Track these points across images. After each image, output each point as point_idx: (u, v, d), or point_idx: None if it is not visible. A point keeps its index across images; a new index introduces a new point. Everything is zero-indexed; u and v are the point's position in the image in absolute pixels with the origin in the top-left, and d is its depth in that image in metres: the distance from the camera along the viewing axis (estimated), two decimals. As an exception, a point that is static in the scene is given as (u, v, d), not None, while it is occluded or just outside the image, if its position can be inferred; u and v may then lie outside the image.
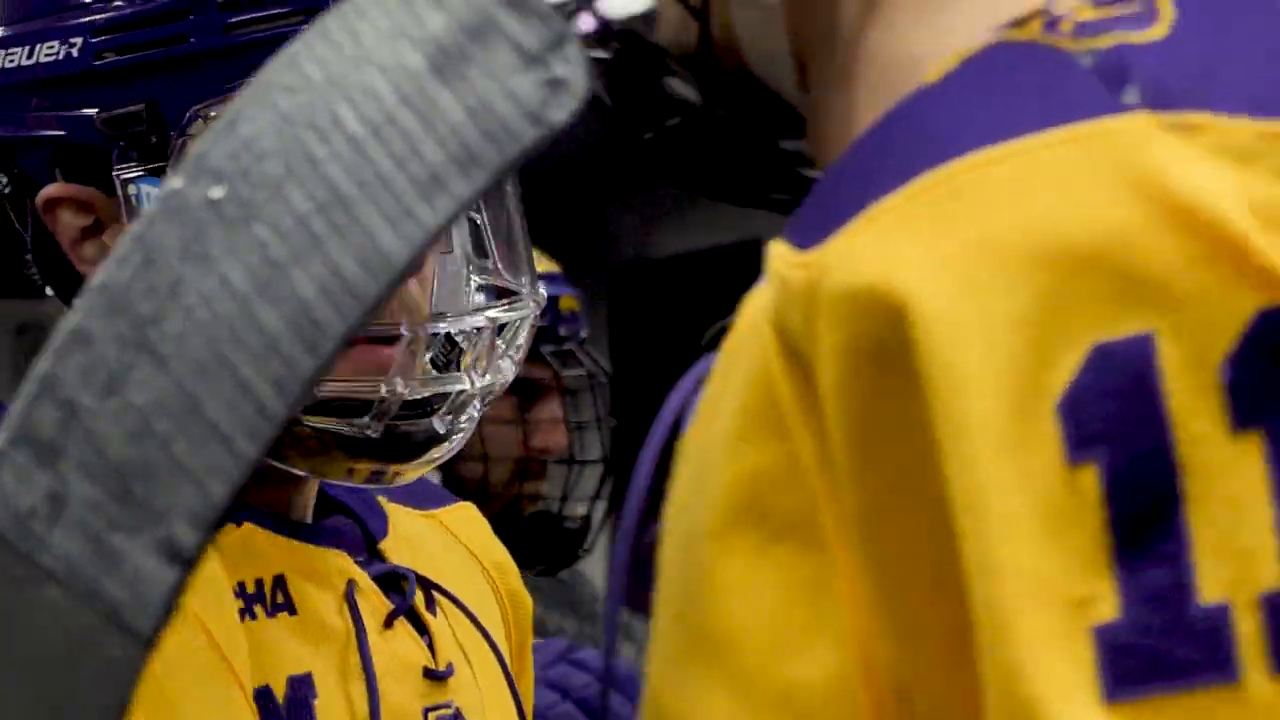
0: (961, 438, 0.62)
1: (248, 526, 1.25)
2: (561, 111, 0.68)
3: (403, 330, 1.22)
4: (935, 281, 0.62)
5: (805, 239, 0.66)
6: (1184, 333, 0.61)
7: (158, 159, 1.19)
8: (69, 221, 1.23)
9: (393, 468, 1.26)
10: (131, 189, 1.19)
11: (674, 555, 0.70)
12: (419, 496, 1.41)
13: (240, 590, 1.22)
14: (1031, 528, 0.61)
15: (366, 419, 1.22)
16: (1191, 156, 0.62)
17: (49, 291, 1.30)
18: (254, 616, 1.22)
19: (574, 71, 0.68)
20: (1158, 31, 0.67)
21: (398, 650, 1.29)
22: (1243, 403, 0.61)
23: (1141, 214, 0.62)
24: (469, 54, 0.67)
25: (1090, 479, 0.61)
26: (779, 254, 0.67)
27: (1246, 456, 0.61)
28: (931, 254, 0.63)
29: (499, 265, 1.33)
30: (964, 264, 0.62)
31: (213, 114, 1.18)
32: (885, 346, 0.63)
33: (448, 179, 0.66)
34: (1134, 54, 0.66)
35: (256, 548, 1.25)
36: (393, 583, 1.31)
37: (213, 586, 1.19)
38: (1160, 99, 0.64)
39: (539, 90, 0.68)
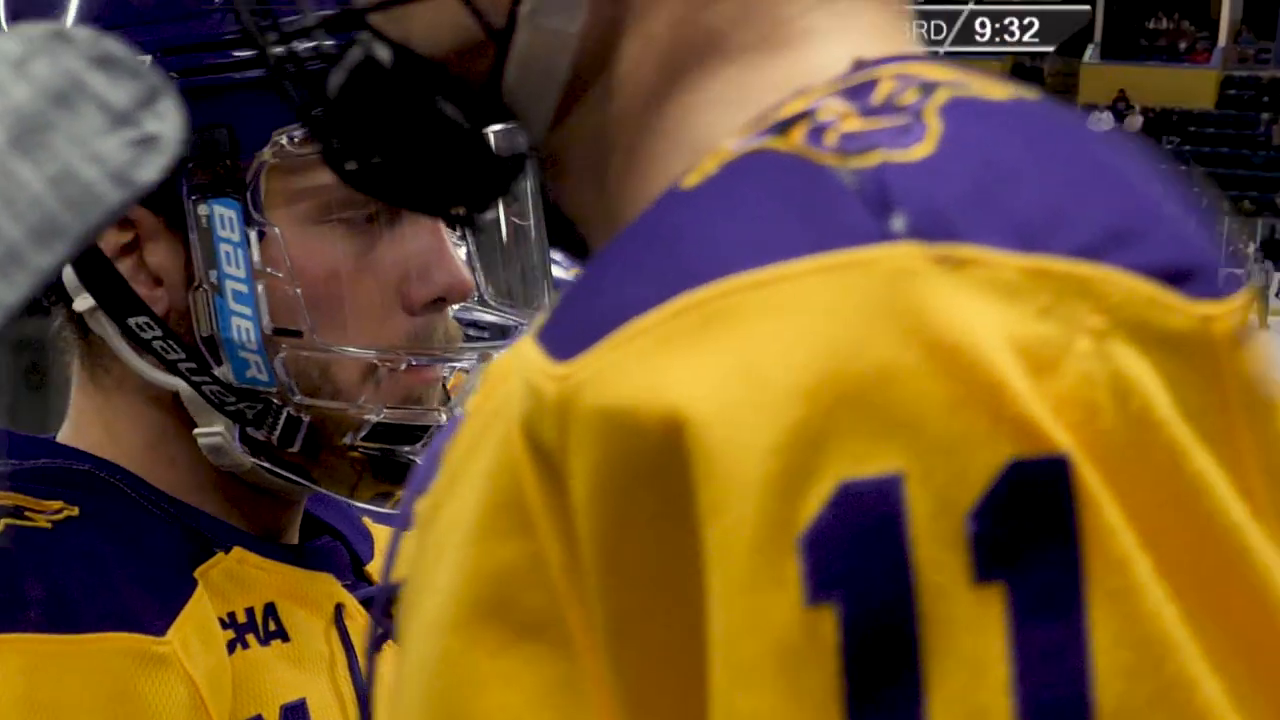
0: (711, 569, 0.60)
1: (237, 551, 1.24)
2: (151, 169, 0.67)
3: (476, 359, 1.21)
4: (694, 408, 0.60)
5: (560, 349, 0.64)
6: (933, 478, 0.58)
7: (224, 180, 1.18)
8: (109, 238, 1.21)
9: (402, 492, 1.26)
10: (202, 208, 1.19)
11: (420, 638, 0.68)
12: (402, 517, 1.41)
13: (231, 620, 1.22)
14: (767, 670, 0.59)
15: (418, 445, 1.21)
16: (957, 294, 0.60)
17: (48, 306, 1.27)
18: (246, 645, 1.21)
19: (167, 126, 0.67)
20: (924, 150, 0.63)
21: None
22: (986, 555, 0.58)
23: (903, 352, 0.59)
24: (53, 121, 0.67)
25: (828, 622, 0.58)
26: (532, 360, 0.65)
27: (987, 610, 0.58)
28: (691, 380, 0.61)
29: (518, 298, 1.32)
30: (723, 391, 0.60)
31: (283, 139, 1.17)
32: (642, 469, 0.61)
33: (26, 254, 0.65)
34: (899, 175, 0.62)
35: (247, 575, 1.24)
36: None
37: (198, 626, 1.18)
38: (927, 227, 0.61)
39: (126, 150, 0.67)
